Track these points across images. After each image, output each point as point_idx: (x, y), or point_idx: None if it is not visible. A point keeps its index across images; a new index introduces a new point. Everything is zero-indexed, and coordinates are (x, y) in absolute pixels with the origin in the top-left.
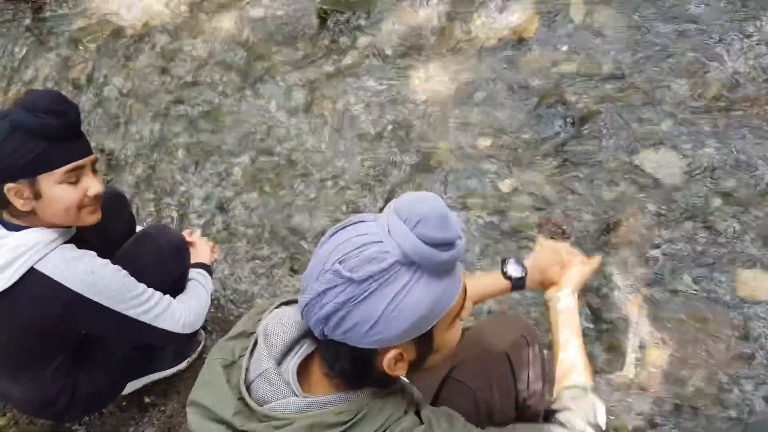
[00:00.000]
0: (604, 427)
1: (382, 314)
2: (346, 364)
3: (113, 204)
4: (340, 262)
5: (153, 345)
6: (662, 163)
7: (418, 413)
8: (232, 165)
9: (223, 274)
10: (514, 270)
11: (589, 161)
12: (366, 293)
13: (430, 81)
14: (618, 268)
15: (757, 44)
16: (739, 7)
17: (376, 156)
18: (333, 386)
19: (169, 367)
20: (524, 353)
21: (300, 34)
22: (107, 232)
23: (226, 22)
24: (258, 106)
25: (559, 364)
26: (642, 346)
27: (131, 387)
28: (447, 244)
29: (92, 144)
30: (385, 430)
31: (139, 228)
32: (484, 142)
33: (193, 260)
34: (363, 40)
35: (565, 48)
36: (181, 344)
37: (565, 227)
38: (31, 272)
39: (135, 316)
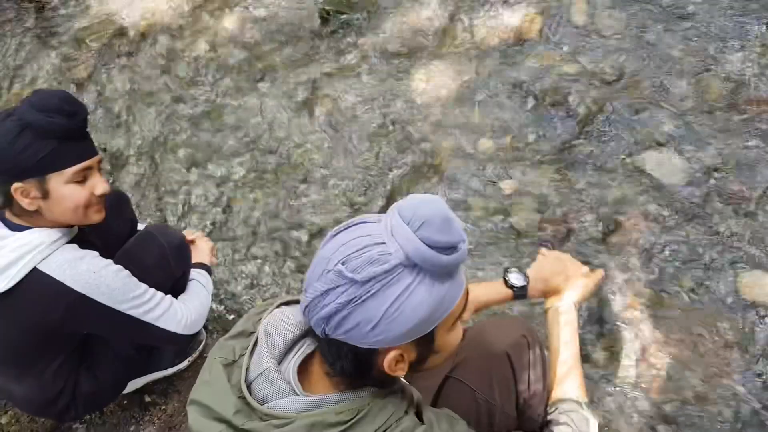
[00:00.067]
0: None
1: (384, 315)
2: (347, 363)
3: (115, 203)
4: (342, 263)
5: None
6: (664, 164)
7: (418, 414)
8: (233, 164)
9: (223, 274)
10: (516, 279)
11: (591, 162)
12: (368, 294)
13: (432, 81)
14: (619, 269)
15: (759, 45)
16: (741, 8)
17: (377, 156)
18: (333, 386)
19: (170, 366)
20: (525, 354)
21: (302, 34)
22: (109, 231)
23: (228, 22)
24: (259, 105)
25: (555, 374)
26: (642, 348)
27: (132, 386)
28: (450, 247)
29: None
30: (386, 430)
31: (140, 227)
32: (486, 143)
33: (193, 260)
34: (364, 41)
35: (566, 49)
36: (182, 345)
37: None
38: (34, 272)
39: (137, 317)
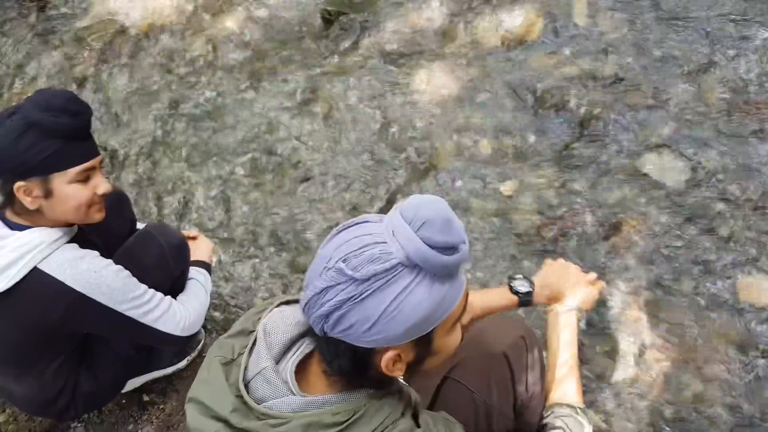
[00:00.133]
0: None
1: (382, 314)
2: (345, 362)
3: (115, 203)
4: (343, 261)
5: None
6: (665, 167)
7: (415, 416)
8: (234, 164)
9: (223, 273)
10: (521, 285)
11: (592, 164)
12: (367, 292)
13: (432, 82)
14: (618, 270)
15: (762, 47)
16: (743, 10)
17: (378, 156)
18: (331, 386)
19: (169, 366)
20: (524, 355)
21: (303, 34)
22: (109, 231)
23: (229, 22)
24: (260, 105)
25: (553, 375)
26: (642, 349)
27: (131, 385)
28: (450, 248)
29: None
30: (382, 431)
31: (139, 226)
32: (486, 144)
33: (192, 257)
34: (365, 41)
35: (567, 50)
36: (180, 347)
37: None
38: (35, 272)
39: (136, 317)
